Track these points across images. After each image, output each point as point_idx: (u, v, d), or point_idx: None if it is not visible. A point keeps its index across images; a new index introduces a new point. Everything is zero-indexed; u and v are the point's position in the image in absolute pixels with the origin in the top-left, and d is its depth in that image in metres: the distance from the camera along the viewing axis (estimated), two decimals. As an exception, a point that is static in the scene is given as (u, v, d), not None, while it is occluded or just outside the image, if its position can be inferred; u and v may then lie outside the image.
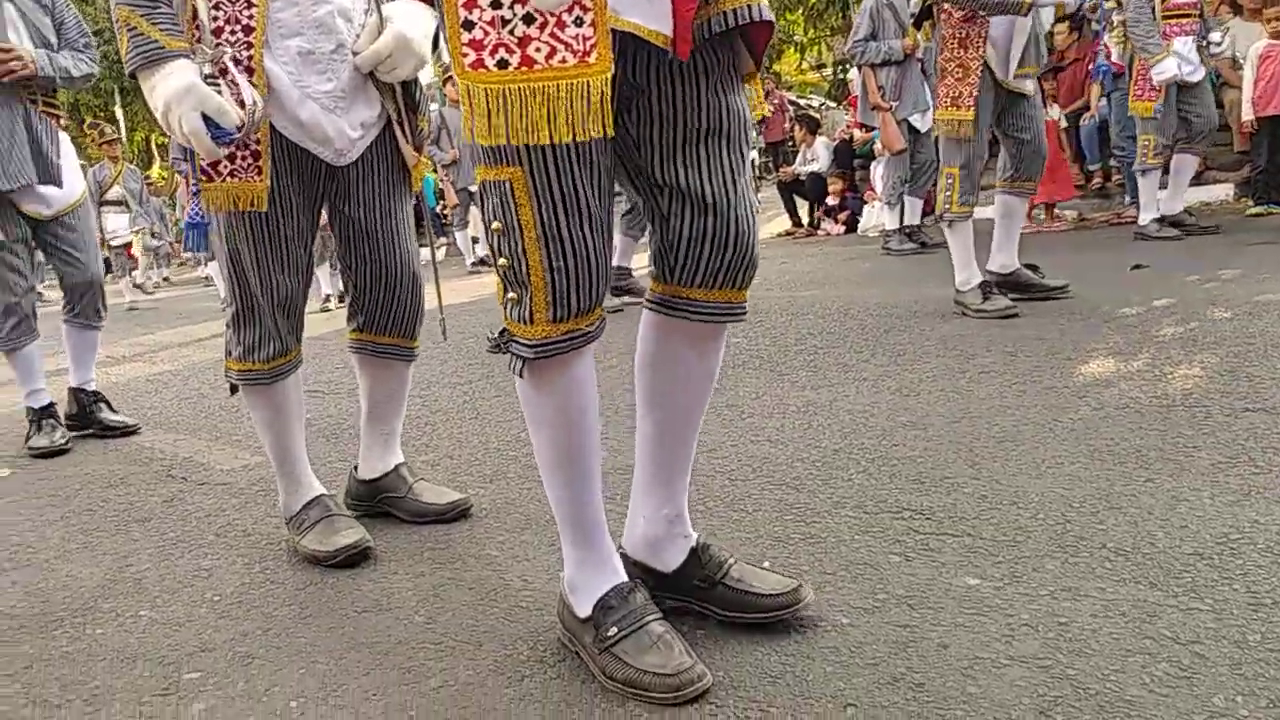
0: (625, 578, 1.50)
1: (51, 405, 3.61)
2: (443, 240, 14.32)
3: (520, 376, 1.41)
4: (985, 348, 3.34)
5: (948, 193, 4.09)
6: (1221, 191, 7.49)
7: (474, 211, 10.07)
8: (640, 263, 5.70)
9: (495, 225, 1.34)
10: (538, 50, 1.25)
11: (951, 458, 2.25)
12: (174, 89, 1.71)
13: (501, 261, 1.36)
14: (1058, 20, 8.90)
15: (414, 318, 2.26)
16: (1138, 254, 5.10)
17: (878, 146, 8.70)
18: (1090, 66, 8.02)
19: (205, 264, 10.17)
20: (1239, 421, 2.26)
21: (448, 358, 4.51)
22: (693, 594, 1.57)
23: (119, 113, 20.88)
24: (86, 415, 3.69)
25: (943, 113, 4.10)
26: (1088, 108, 8.12)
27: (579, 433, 1.44)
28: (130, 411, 3.98)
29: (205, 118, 1.72)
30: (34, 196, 3.39)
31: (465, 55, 1.28)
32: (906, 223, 6.91)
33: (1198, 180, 7.51)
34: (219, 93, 1.75)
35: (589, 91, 1.25)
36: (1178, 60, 5.42)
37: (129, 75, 1.78)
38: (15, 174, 3.26)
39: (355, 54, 1.96)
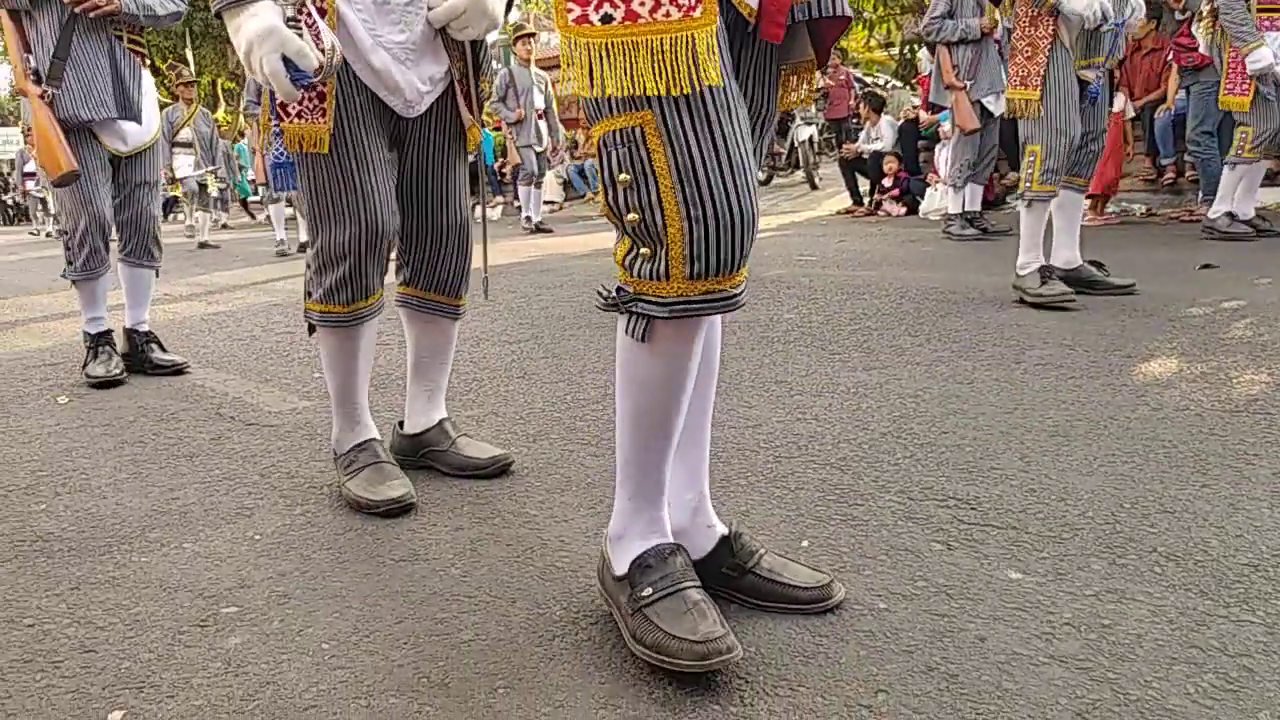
0: (670, 540, 1.48)
1: (109, 333, 3.67)
2: (499, 199, 14.37)
3: (641, 340, 1.34)
4: (1043, 339, 3.27)
5: (1028, 170, 3.97)
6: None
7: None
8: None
9: (623, 178, 1.26)
10: (641, 4, 1.21)
11: (1001, 448, 2.21)
12: (257, 30, 1.71)
13: (631, 217, 1.28)
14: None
15: (461, 276, 2.26)
16: (1207, 253, 4.95)
17: (944, 128, 8.54)
18: (1168, 57, 7.77)
19: (267, 205, 10.28)
20: (1304, 432, 2.19)
21: (498, 316, 4.52)
22: (722, 582, 1.54)
23: (189, 55, 21.15)
24: (138, 355, 3.74)
25: (1012, 91, 4.03)
26: (1163, 99, 7.88)
27: (679, 399, 1.39)
28: (183, 350, 4.04)
29: (285, 60, 1.72)
30: (113, 131, 3.45)
31: (569, 10, 1.25)
32: (968, 209, 6.77)
33: (1270, 181, 7.28)
34: (299, 35, 1.75)
35: (694, 45, 1.21)
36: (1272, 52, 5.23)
37: (214, 15, 1.78)
38: (97, 105, 3.32)
39: (430, 8, 1.95)
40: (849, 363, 3.14)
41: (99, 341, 3.65)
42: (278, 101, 1.89)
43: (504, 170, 14.22)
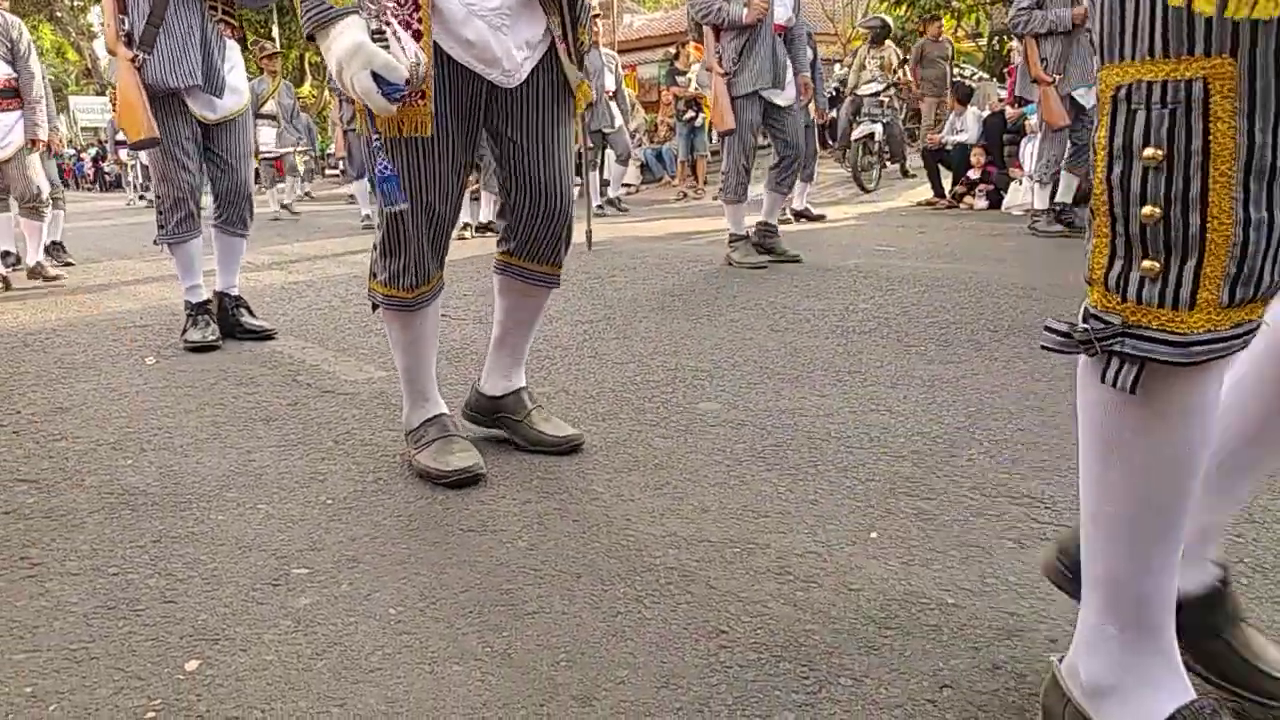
0: (1191, 689, 1.04)
1: (208, 302, 3.76)
2: (576, 180, 14.42)
3: (1131, 392, 0.94)
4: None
5: None
6: None
7: (607, 154, 10.00)
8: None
9: (1150, 153, 0.89)
10: None
11: (1078, 448, 2.15)
12: (344, 49, 1.70)
13: (1147, 211, 0.90)
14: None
15: (563, 246, 2.21)
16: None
17: (1030, 122, 8.33)
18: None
19: (353, 181, 10.46)
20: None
21: (571, 296, 4.54)
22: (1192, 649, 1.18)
23: (275, 30, 21.61)
24: (228, 318, 3.81)
25: None
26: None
27: (1188, 478, 0.98)
28: (263, 317, 4.13)
29: (375, 75, 1.70)
30: (202, 100, 3.50)
31: None
32: (1058, 200, 6.57)
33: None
34: (386, 47, 1.73)
35: None
36: None
37: (306, 38, 1.78)
38: (185, 74, 3.38)
39: None
40: (925, 355, 3.09)
41: (199, 310, 3.74)
42: (404, 93, 1.79)
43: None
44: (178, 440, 2.45)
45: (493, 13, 1.89)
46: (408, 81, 1.74)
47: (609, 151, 9.94)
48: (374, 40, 1.73)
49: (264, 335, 3.80)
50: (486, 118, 2.04)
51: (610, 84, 9.51)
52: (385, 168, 1.84)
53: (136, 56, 3.29)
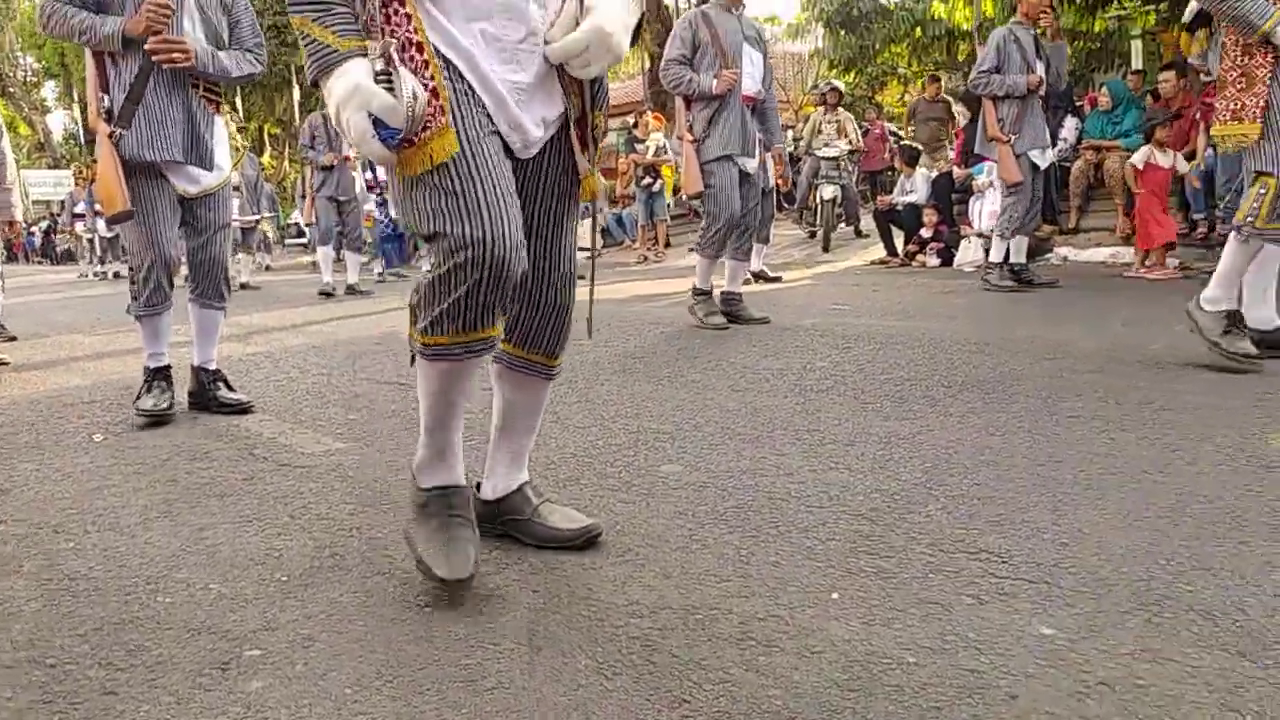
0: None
1: (167, 369, 3.69)
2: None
3: None
4: (1077, 393, 3.23)
5: (1255, 204, 3.51)
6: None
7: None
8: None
9: None
10: None
11: (1034, 501, 2.17)
12: (342, 91, 1.65)
13: None
14: (1165, 68, 8.66)
15: (561, 337, 2.08)
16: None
17: (978, 181, 8.54)
18: (1196, 115, 7.75)
19: (315, 249, 10.41)
20: (1348, 490, 2.13)
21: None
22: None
23: (238, 101, 21.72)
24: (205, 393, 3.75)
25: (1222, 129, 3.65)
26: (1193, 156, 7.85)
27: None
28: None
29: (375, 118, 1.63)
30: (183, 174, 3.52)
31: None
32: (1013, 260, 6.74)
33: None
34: (390, 90, 1.64)
35: None
36: None
37: (311, 84, 1.76)
38: (163, 148, 3.41)
39: (547, 43, 1.81)
40: (881, 412, 3.12)
41: (156, 375, 3.67)
42: (401, 136, 1.67)
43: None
44: (124, 520, 2.40)
45: (512, 86, 1.81)
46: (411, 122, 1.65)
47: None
48: (378, 80, 1.66)
49: (241, 409, 3.71)
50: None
51: None
52: (388, 225, 1.94)
53: (114, 133, 3.34)
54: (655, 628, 1.65)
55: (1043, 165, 6.59)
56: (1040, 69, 6.47)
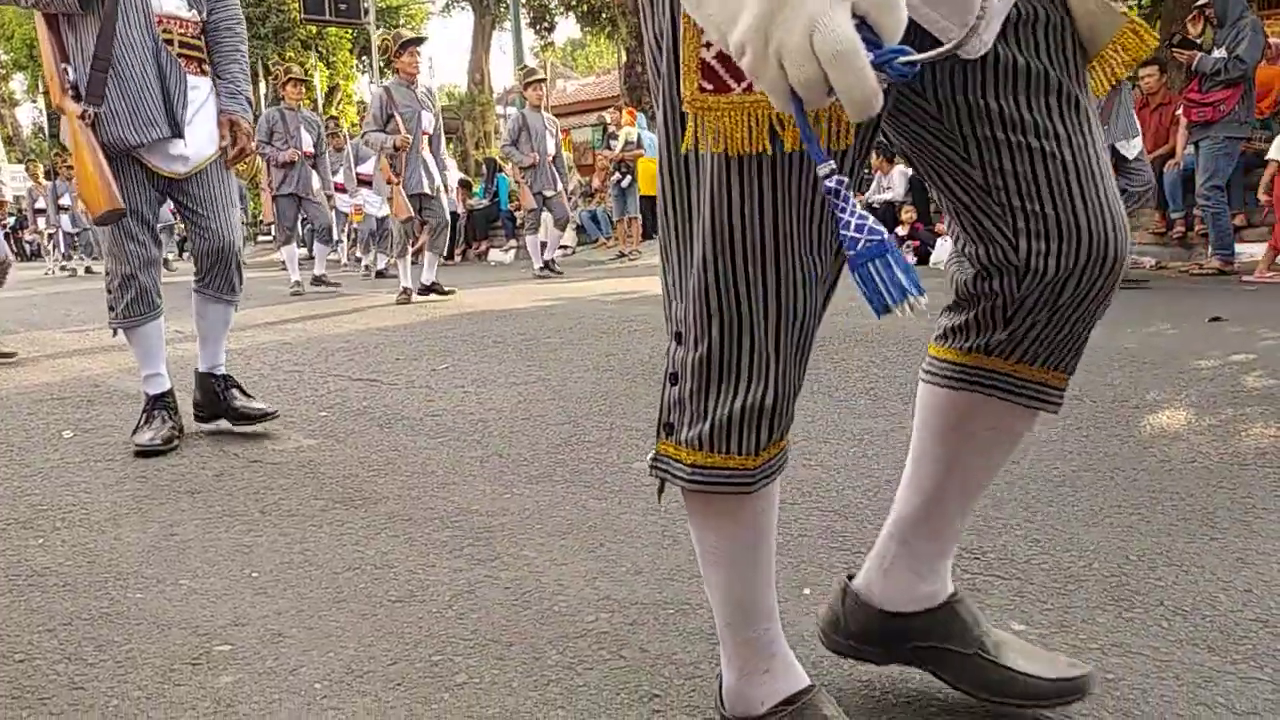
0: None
1: (168, 394, 3.15)
2: (512, 243, 14.47)
3: None
4: (1050, 390, 3.25)
5: None
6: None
7: (545, 216, 10.01)
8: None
9: None
10: None
11: (1007, 498, 2.19)
12: None
13: None
14: (1146, 63, 8.73)
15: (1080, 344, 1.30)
16: (1215, 307, 4.94)
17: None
18: (1176, 112, 7.81)
19: (280, 247, 10.33)
20: (1314, 487, 2.16)
21: (505, 358, 4.53)
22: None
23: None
24: (217, 402, 3.22)
25: None
26: (1173, 154, 7.92)
27: None
28: (188, 387, 4.01)
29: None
30: (164, 153, 2.96)
31: None
32: None
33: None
34: None
35: None
36: None
37: None
38: (146, 125, 2.87)
39: None
40: (855, 409, 3.13)
41: (156, 404, 3.11)
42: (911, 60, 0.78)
43: (518, 216, 14.38)
44: (94, 516, 2.37)
45: None
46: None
47: (545, 215, 9.95)
48: None
49: (265, 417, 3.21)
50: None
51: (551, 148, 9.53)
52: (863, 219, 0.84)
53: (86, 112, 2.81)
54: (626, 623, 1.64)
55: (1129, 155, 6.18)
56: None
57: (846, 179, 0.86)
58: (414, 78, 7.68)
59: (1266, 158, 7.09)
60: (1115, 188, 1.12)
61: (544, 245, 10.31)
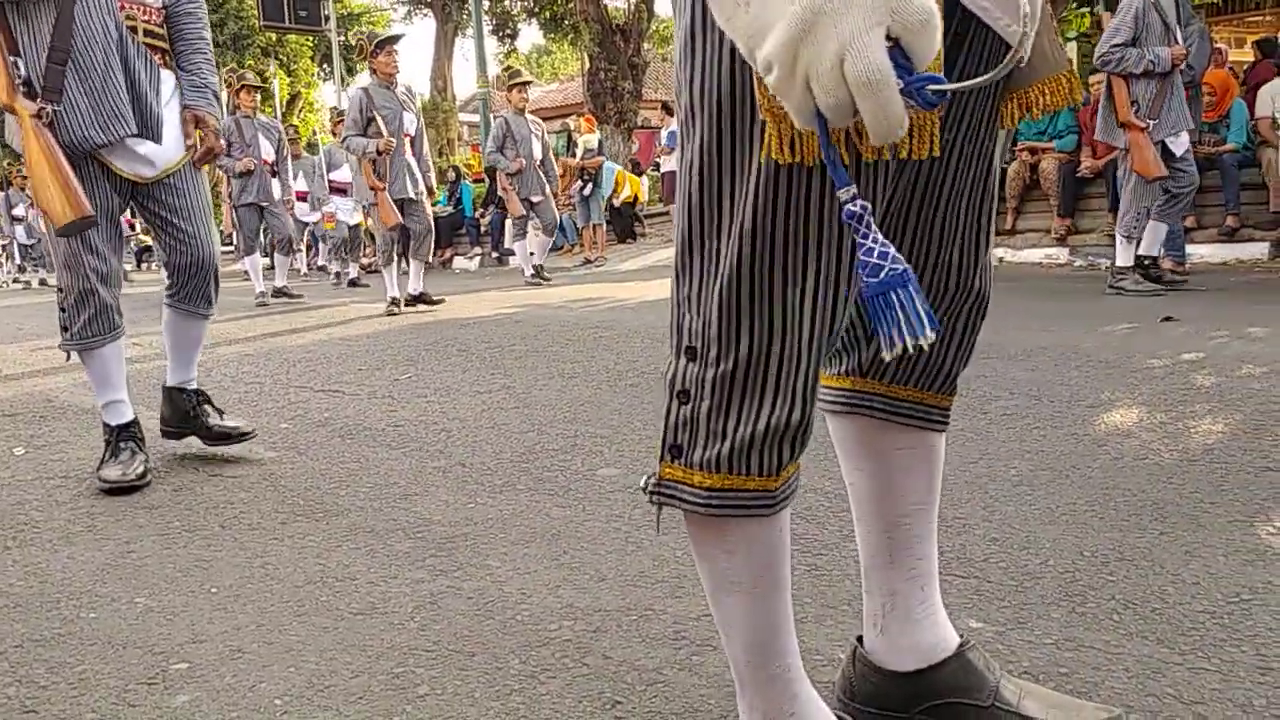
0: None
1: (133, 424, 2.86)
2: (476, 250, 14.42)
3: None
4: (1009, 390, 3.29)
5: None
6: (1257, 250, 7.40)
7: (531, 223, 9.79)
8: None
9: None
10: None
11: (965, 498, 2.22)
12: None
13: None
14: (1096, 70, 8.87)
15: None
16: (1167, 307, 5.03)
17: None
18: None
19: (242, 257, 10.21)
20: (1259, 480, 2.21)
21: (470, 367, 4.51)
22: None
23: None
24: (187, 419, 3.02)
25: None
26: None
27: None
28: (148, 400, 3.87)
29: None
30: (129, 154, 2.71)
31: None
32: (1143, 254, 5.93)
33: (1232, 237, 7.46)
34: None
35: None
36: None
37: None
38: (109, 121, 2.62)
39: None
40: (818, 413, 3.14)
41: (121, 435, 2.81)
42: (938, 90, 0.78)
43: (481, 219, 14.34)
44: (46, 535, 2.33)
45: None
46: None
47: (530, 221, 9.71)
48: None
49: (240, 437, 3.02)
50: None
51: (537, 152, 9.26)
52: (885, 247, 0.82)
53: (43, 110, 2.54)
54: (589, 630, 1.65)
55: (1178, 152, 5.73)
56: (1182, 37, 5.64)
57: (869, 204, 0.84)
58: (392, 77, 7.37)
59: None
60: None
61: (532, 254, 9.97)
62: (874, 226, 0.82)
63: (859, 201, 0.82)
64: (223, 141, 3.03)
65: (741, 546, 1.05)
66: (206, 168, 3.06)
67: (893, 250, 0.81)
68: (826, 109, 0.76)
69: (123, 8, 2.69)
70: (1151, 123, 5.55)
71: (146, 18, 2.77)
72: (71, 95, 2.58)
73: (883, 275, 0.81)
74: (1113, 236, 8.03)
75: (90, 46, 2.59)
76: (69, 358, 2.88)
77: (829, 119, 0.78)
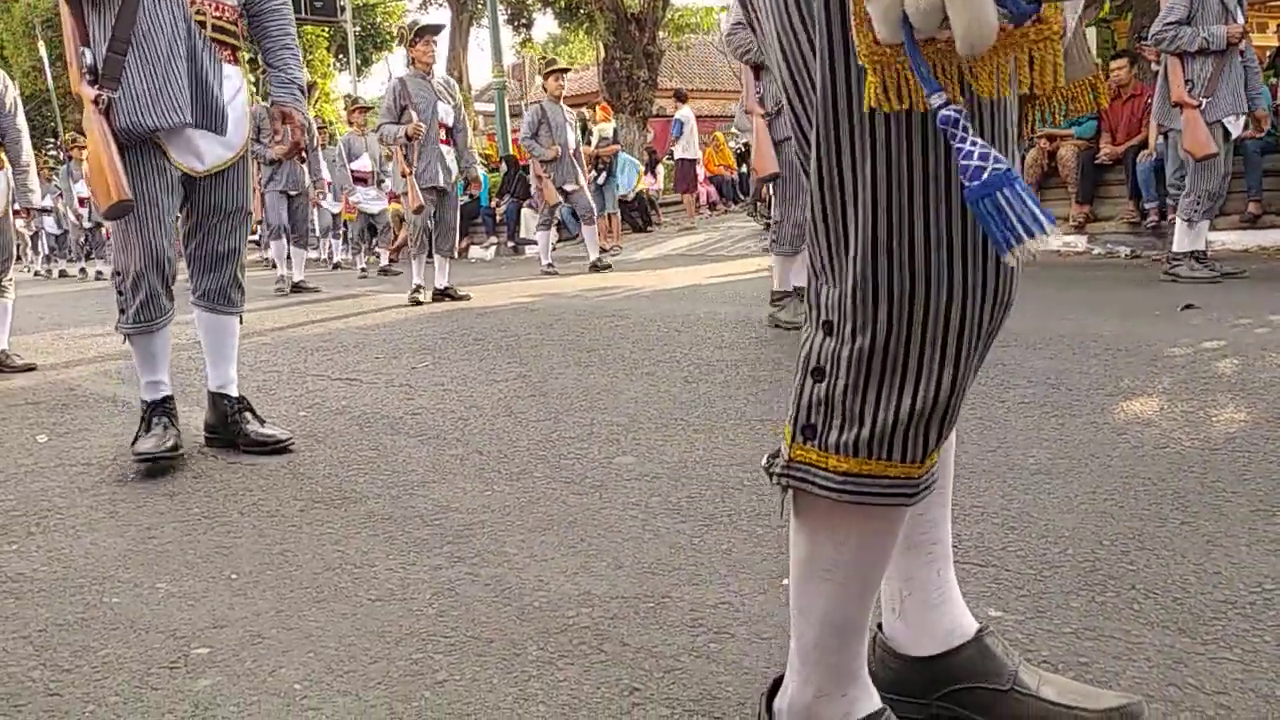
0: None
1: (168, 400, 2.93)
2: (492, 239, 14.43)
3: None
4: (1027, 379, 3.28)
5: None
6: (1279, 236, 7.33)
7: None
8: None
9: None
10: None
11: (983, 486, 2.21)
12: None
13: None
14: (1116, 56, 8.79)
15: None
16: (1188, 295, 4.99)
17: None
18: (1148, 102, 7.87)
19: (268, 242, 10.21)
20: (1284, 470, 2.19)
21: (486, 355, 4.52)
22: None
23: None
24: (228, 428, 3.00)
25: None
26: (1145, 144, 7.98)
27: None
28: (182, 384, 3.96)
29: None
30: (185, 145, 2.77)
31: None
32: (1192, 247, 5.87)
33: (1254, 224, 7.38)
34: None
35: None
36: None
37: None
38: (167, 110, 2.68)
39: None
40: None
41: (155, 410, 2.88)
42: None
43: (496, 209, 14.35)
44: (70, 521, 2.36)
45: None
46: None
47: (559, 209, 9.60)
48: None
49: (278, 448, 2.93)
50: None
51: (571, 140, 9.19)
52: (986, 148, 0.77)
53: (99, 97, 2.61)
54: (606, 617, 1.65)
55: (1235, 133, 5.63)
56: (1241, 16, 5.47)
57: (964, 109, 0.79)
58: (429, 68, 7.29)
59: None
60: None
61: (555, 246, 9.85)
62: (970, 130, 0.78)
63: (952, 106, 0.77)
64: (305, 136, 3.06)
65: (854, 539, 1.01)
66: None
67: (994, 151, 0.76)
68: (914, 12, 0.74)
69: (192, 2, 2.74)
70: (1205, 101, 5.43)
71: (218, 14, 2.82)
72: (131, 80, 2.65)
73: (986, 176, 0.76)
74: (1133, 224, 7.98)
75: (155, 36, 2.66)
76: (124, 341, 2.94)
77: (915, 23, 0.75)
